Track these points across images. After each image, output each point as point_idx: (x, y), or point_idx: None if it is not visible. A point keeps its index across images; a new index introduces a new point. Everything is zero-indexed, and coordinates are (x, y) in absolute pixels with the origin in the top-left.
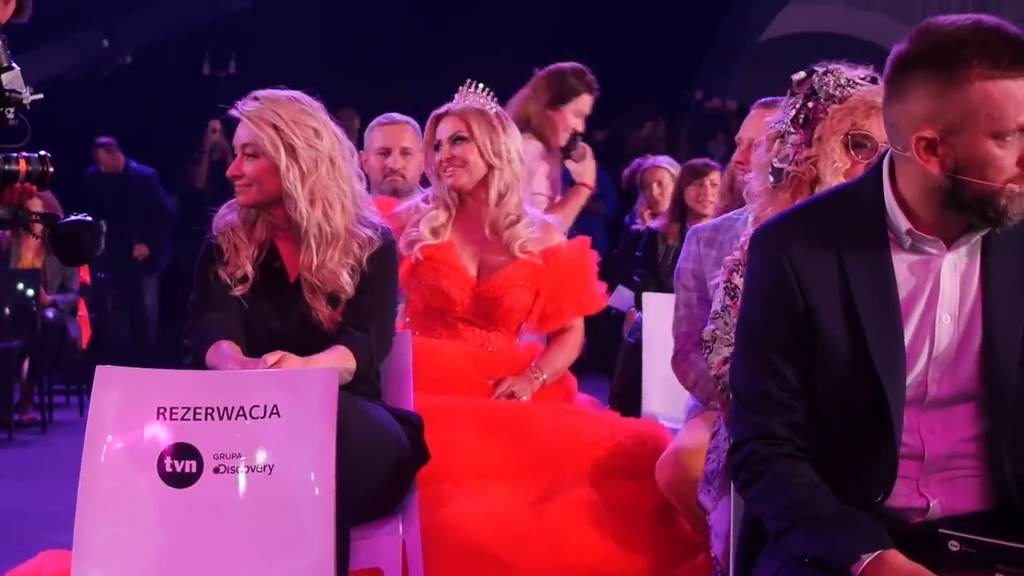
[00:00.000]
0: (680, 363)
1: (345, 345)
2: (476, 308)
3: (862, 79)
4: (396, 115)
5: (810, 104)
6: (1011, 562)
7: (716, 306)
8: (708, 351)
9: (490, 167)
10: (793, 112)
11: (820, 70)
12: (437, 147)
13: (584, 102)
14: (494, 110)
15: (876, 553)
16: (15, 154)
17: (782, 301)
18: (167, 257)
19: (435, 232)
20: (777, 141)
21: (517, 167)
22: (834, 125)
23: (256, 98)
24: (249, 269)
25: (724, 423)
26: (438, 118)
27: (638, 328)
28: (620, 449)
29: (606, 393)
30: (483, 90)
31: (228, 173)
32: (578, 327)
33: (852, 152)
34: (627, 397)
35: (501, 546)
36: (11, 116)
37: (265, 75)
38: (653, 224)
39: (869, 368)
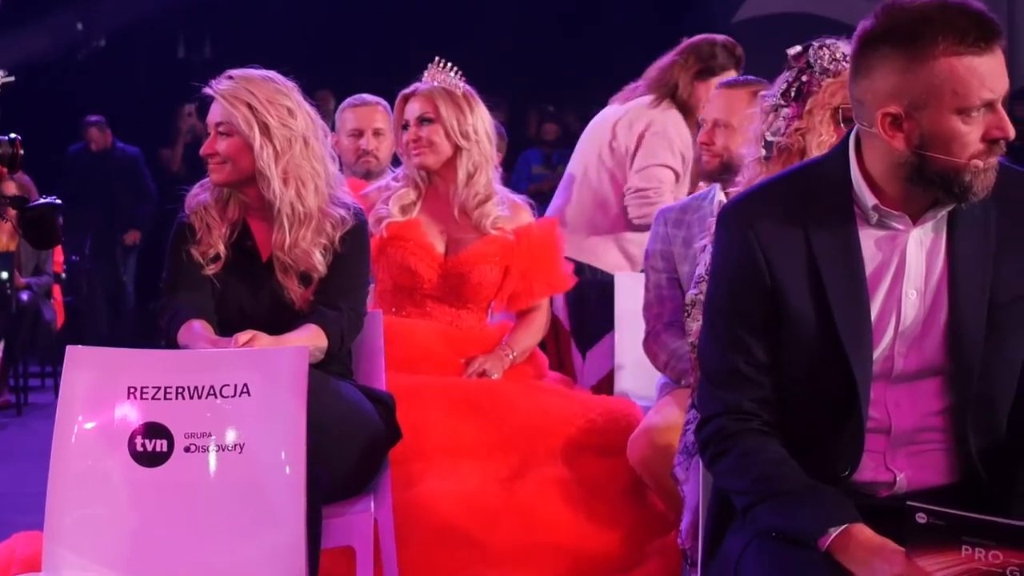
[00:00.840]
0: (651, 344)
1: (316, 323)
2: (444, 285)
3: None
4: (367, 96)
5: (804, 77)
6: (977, 534)
7: (700, 270)
8: (687, 315)
9: (457, 148)
10: (786, 86)
11: (816, 44)
12: (405, 127)
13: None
14: (461, 90)
15: (843, 527)
16: (6, 137)
17: (748, 277)
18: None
19: (403, 210)
20: (771, 114)
21: (485, 147)
22: (826, 99)
23: (230, 77)
24: (221, 248)
25: (694, 395)
26: (406, 98)
27: None
28: (592, 427)
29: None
30: (451, 68)
31: (201, 151)
32: (544, 306)
33: (841, 126)
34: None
35: (473, 524)
36: None
37: (240, 59)
38: None
39: (836, 343)
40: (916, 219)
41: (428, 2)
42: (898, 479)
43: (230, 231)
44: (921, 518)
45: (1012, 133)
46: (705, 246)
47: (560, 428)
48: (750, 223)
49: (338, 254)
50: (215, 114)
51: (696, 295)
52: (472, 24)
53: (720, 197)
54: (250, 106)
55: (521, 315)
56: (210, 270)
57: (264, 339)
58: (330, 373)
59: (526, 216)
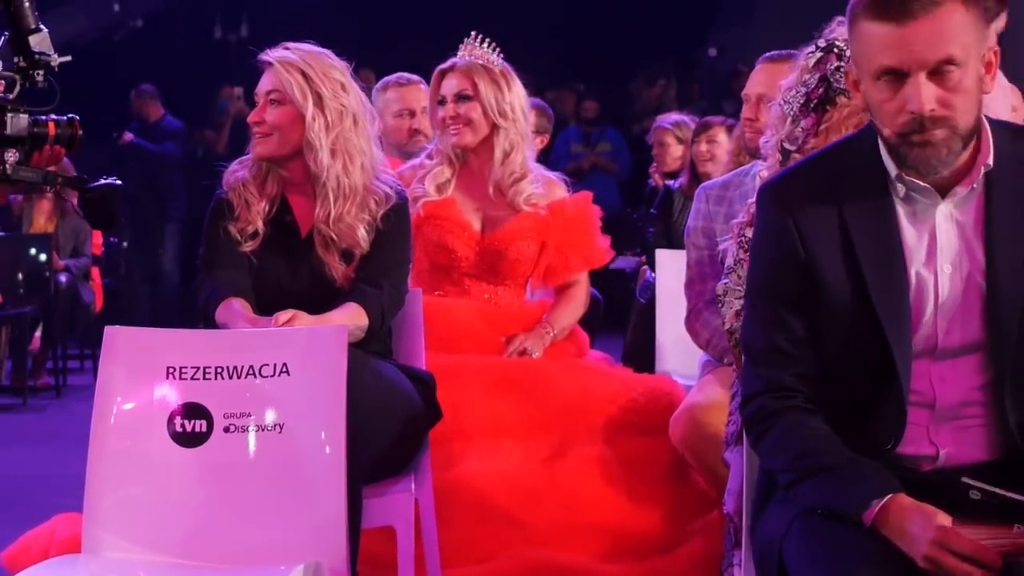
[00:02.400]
0: (693, 322)
1: (357, 302)
2: (481, 263)
3: None
4: (408, 75)
5: (821, 90)
6: None
7: (729, 260)
8: (721, 304)
9: (494, 126)
10: (804, 99)
11: (836, 52)
12: (442, 102)
13: (1001, 21)
14: (499, 66)
15: (886, 498)
16: (44, 117)
17: (784, 253)
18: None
19: (439, 189)
20: (787, 121)
21: (521, 125)
22: (842, 119)
23: (286, 47)
24: (260, 224)
25: (738, 379)
26: (443, 73)
27: (649, 286)
28: (633, 405)
29: (619, 352)
30: (488, 44)
31: (249, 119)
32: (583, 281)
33: None
34: (640, 355)
35: (513, 503)
36: (40, 79)
37: (277, 38)
38: (672, 182)
39: (873, 317)
40: (944, 193)
41: None
42: (941, 453)
43: (269, 207)
44: (975, 495)
45: (921, 108)
46: (732, 238)
47: (601, 407)
48: (784, 200)
49: (380, 231)
50: (267, 82)
51: (727, 284)
52: (511, 3)
53: (764, 173)
54: (305, 75)
55: (559, 291)
56: (248, 247)
57: (305, 318)
58: (370, 352)
59: (560, 192)
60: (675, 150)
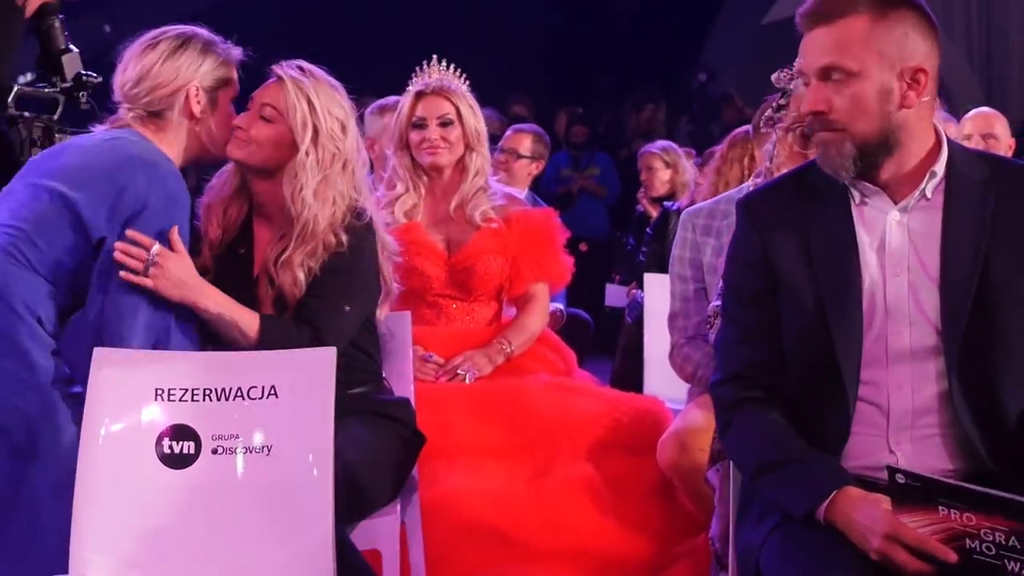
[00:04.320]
0: (676, 357)
1: (262, 317)
2: (453, 281)
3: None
4: (394, 99)
5: (781, 101)
6: (951, 497)
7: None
8: (710, 326)
9: (469, 149)
10: (770, 111)
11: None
12: (420, 125)
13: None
14: (469, 92)
15: (833, 493)
16: None
17: (749, 256)
18: None
19: (407, 215)
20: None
21: (486, 148)
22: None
23: (301, 68)
24: (209, 260)
25: None
26: (421, 95)
27: (638, 306)
28: (618, 425)
29: (608, 375)
30: (454, 70)
31: (234, 121)
32: (541, 295)
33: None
34: (629, 375)
35: (498, 521)
36: (83, 100)
37: (271, 61)
38: (670, 204)
39: (825, 322)
40: (897, 200)
41: (468, 7)
42: (901, 462)
43: (224, 235)
44: (900, 479)
45: (801, 107)
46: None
47: (585, 427)
48: (751, 207)
49: (317, 278)
50: (267, 94)
51: (717, 307)
52: (501, 27)
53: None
54: (311, 104)
55: (518, 305)
56: None
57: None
58: (358, 382)
59: (519, 205)
60: (663, 175)
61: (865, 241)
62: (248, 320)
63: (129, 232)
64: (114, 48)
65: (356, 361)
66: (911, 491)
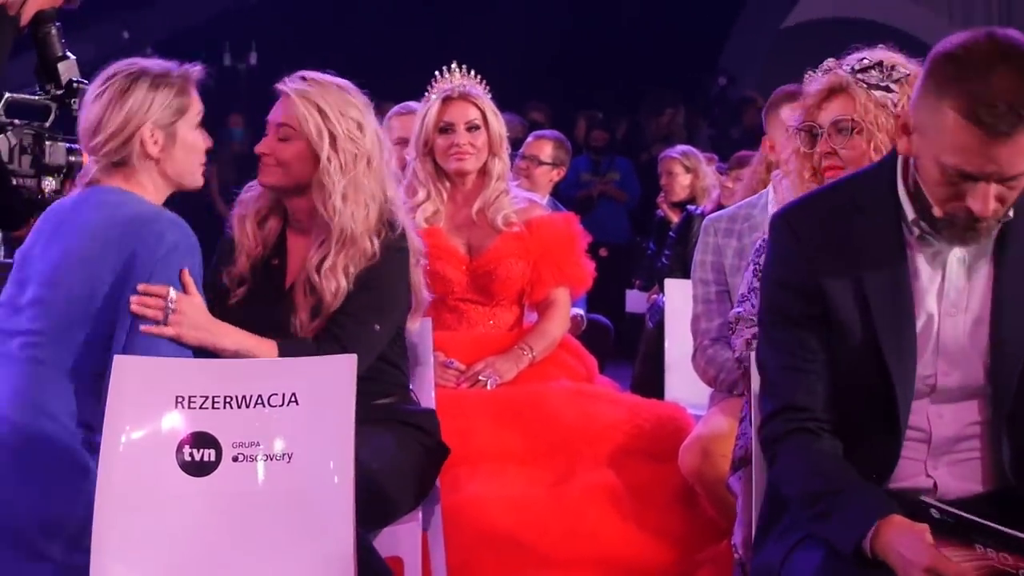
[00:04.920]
0: (699, 360)
1: (279, 343)
2: (474, 286)
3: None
4: (414, 104)
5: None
6: (984, 535)
7: (743, 288)
8: (732, 331)
9: (492, 154)
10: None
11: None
12: (447, 129)
13: None
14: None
15: (874, 527)
16: (78, 145)
17: (795, 280)
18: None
19: (428, 221)
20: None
21: (507, 153)
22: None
23: (304, 78)
24: (247, 270)
25: (749, 408)
26: (449, 100)
27: (659, 310)
28: (639, 432)
29: (628, 381)
30: (474, 75)
31: (256, 149)
32: (563, 300)
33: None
34: (649, 380)
35: (519, 528)
36: (75, 107)
37: (287, 66)
38: (694, 207)
39: (877, 353)
40: (960, 237)
41: (478, 11)
42: (938, 486)
43: (261, 248)
44: (935, 513)
45: (984, 213)
46: (751, 260)
47: (606, 433)
48: (797, 230)
49: (351, 291)
50: (280, 113)
51: (740, 312)
52: (517, 31)
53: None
54: (322, 112)
55: (539, 310)
56: (235, 296)
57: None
58: (382, 388)
59: (539, 210)
60: (683, 179)
61: (924, 277)
62: (267, 350)
63: (141, 286)
64: (132, 53)
65: (384, 373)
66: (946, 526)
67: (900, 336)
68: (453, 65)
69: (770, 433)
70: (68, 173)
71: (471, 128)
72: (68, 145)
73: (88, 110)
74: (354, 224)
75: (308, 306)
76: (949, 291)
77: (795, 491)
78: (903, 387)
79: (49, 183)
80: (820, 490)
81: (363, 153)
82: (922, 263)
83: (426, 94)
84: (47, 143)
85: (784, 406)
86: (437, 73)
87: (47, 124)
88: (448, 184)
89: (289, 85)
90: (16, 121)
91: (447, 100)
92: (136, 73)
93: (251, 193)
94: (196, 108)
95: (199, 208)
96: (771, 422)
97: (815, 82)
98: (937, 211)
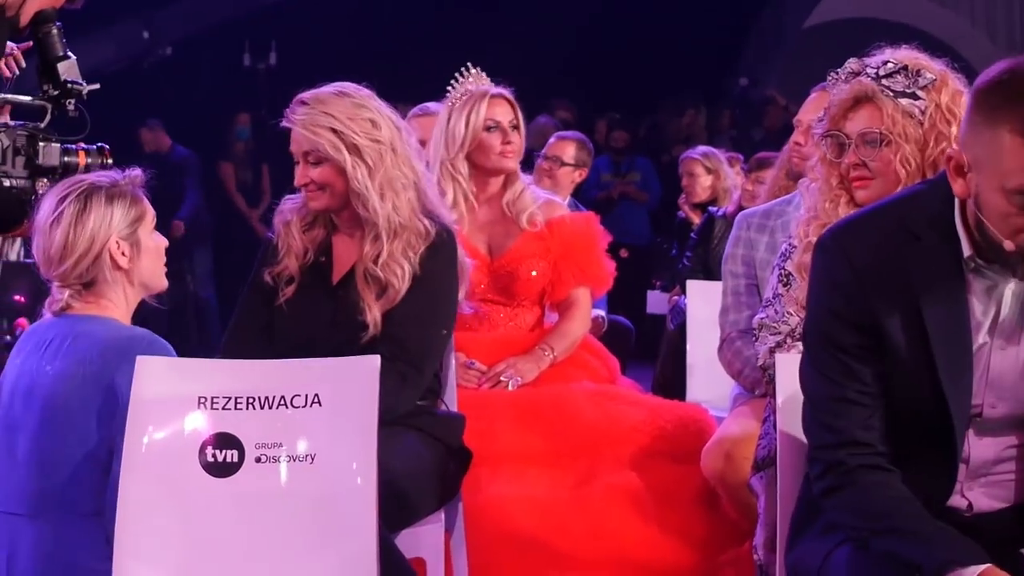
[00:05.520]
0: (725, 352)
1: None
2: (495, 286)
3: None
4: (431, 105)
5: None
6: None
7: (768, 293)
8: (755, 339)
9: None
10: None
11: (871, 65)
12: (493, 128)
13: None
14: None
15: (983, 568)
16: (74, 146)
17: (848, 307)
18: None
19: (457, 222)
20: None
21: None
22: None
23: (304, 102)
24: (296, 270)
25: (772, 411)
26: (495, 99)
27: (680, 312)
28: (661, 433)
29: (650, 382)
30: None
31: (296, 182)
32: (584, 300)
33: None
34: (670, 382)
35: (541, 529)
36: (71, 107)
37: (306, 67)
38: (715, 209)
39: (935, 386)
40: (1016, 270)
41: (493, 9)
42: (973, 505)
43: (308, 251)
44: None
45: None
46: (776, 264)
47: (628, 435)
48: (849, 253)
49: (417, 275)
50: (299, 144)
51: (763, 319)
52: (539, 32)
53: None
54: (334, 130)
55: (560, 310)
56: (284, 294)
57: None
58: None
59: (560, 210)
60: (704, 180)
61: (978, 310)
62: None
63: None
64: (152, 54)
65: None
66: None
67: (959, 369)
68: (472, 68)
69: (834, 464)
70: (65, 174)
71: (514, 127)
72: (64, 146)
73: (46, 237)
74: (399, 215)
75: (373, 292)
76: (1003, 324)
77: (863, 526)
78: (960, 419)
79: (43, 184)
80: (898, 528)
81: (386, 146)
82: (980, 297)
83: (448, 95)
84: (41, 144)
85: (843, 440)
86: (457, 75)
87: (42, 125)
88: (474, 184)
89: (292, 117)
90: (10, 122)
91: (494, 98)
92: (88, 190)
93: (293, 203)
94: (150, 213)
95: (218, 203)
96: (832, 451)
97: (840, 90)
98: (1009, 244)
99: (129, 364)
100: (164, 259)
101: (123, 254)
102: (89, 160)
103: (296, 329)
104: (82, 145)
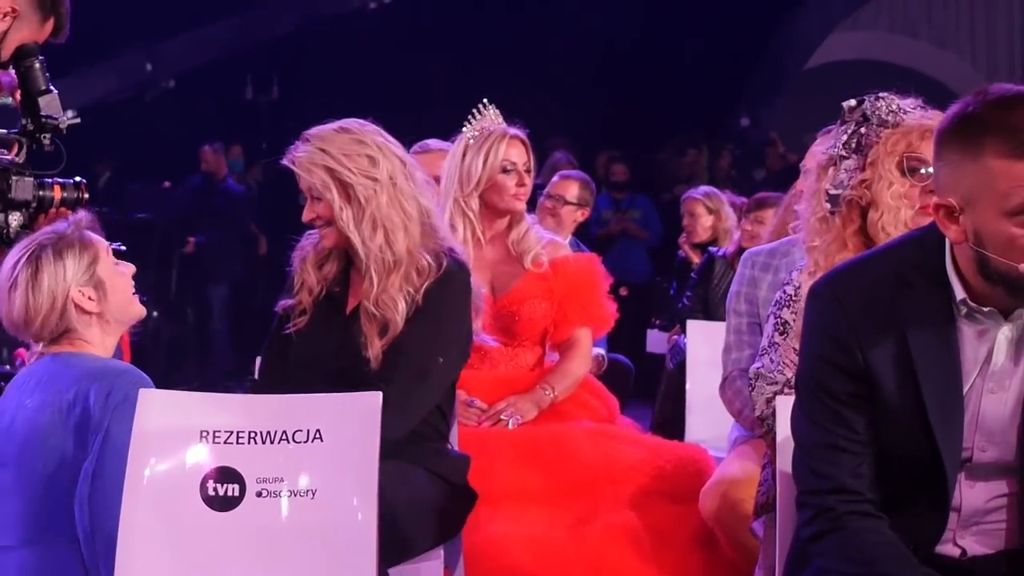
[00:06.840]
0: (726, 390)
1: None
2: (497, 325)
3: (912, 108)
4: (432, 142)
5: (862, 130)
6: None
7: (764, 342)
8: (752, 388)
9: None
10: (845, 138)
11: (871, 97)
12: (509, 170)
13: None
14: None
15: None
16: (50, 180)
17: (841, 356)
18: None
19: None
20: (830, 168)
21: None
22: (888, 148)
23: (306, 140)
24: (309, 303)
25: (769, 459)
26: (513, 140)
27: (679, 351)
28: (660, 473)
29: (649, 421)
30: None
31: (304, 219)
32: (585, 340)
33: (908, 175)
34: (669, 421)
35: (540, 568)
36: (47, 142)
37: (308, 100)
38: (716, 249)
39: (927, 434)
40: (1008, 315)
41: (495, 45)
42: (967, 552)
43: (322, 285)
44: None
45: None
46: (771, 312)
47: (627, 474)
48: (842, 304)
49: (419, 307)
50: (301, 181)
51: (759, 369)
52: (538, 68)
53: (800, 235)
54: (327, 168)
55: (561, 350)
56: (295, 325)
57: None
58: (423, 432)
59: (563, 250)
60: (705, 220)
61: (969, 356)
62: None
63: None
64: (156, 86)
65: (430, 416)
66: None
67: (949, 414)
68: (488, 105)
69: (824, 510)
70: (40, 207)
71: (527, 171)
72: (39, 180)
73: (8, 306)
74: (390, 253)
75: (375, 329)
76: (995, 369)
77: (856, 572)
78: (951, 464)
79: (16, 218)
80: (892, 572)
81: (383, 183)
82: (971, 342)
83: (463, 132)
84: (14, 178)
85: (833, 486)
86: (475, 110)
87: (15, 159)
88: (481, 223)
89: (291, 156)
90: None
91: (513, 139)
92: (36, 251)
93: (311, 239)
94: (102, 247)
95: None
96: (818, 498)
97: (914, 117)
98: (1017, 270)
99: (101, 383)
100: (132, 286)
101: (89, 299)
102: (65, 194)
103: (306, 351)
104: (58, 179)
